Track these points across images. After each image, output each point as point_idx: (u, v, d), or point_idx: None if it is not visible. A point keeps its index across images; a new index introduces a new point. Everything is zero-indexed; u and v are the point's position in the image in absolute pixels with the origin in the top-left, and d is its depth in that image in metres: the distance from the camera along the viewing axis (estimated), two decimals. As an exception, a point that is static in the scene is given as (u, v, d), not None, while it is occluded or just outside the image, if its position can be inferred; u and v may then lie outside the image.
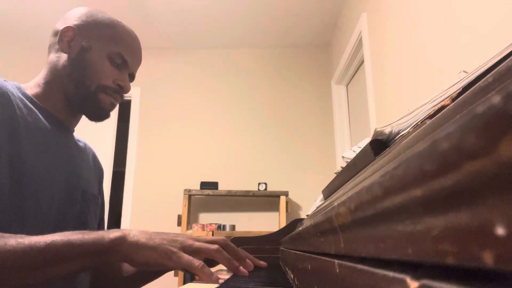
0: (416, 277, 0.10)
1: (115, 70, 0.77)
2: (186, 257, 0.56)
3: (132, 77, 0.83)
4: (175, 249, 0.56)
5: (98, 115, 0.78)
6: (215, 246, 0.60)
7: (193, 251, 0.58)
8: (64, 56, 0.75)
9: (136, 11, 2.84)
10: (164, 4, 2.80)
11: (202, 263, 0.56)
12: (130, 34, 0.81)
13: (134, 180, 3.10)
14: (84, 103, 0.76)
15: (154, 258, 0.55)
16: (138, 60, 0.83)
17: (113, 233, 0.56)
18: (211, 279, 0.56)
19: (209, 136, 3.17)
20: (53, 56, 0.76)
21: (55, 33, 0.77)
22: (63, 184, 0.71)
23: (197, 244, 0.59)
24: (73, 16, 0.78)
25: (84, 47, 0.75)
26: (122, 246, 0.55)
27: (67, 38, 0.75)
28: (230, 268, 0.64)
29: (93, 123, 0.81)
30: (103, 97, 0.76)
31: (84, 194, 0.78)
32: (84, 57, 0.74)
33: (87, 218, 0.77)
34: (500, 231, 0.07)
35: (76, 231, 0.55)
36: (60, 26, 0.76)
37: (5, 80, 0.69)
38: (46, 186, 0.66)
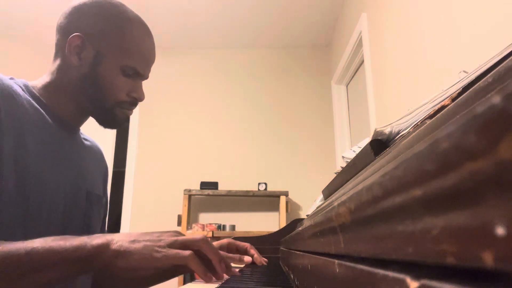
0: (416, 277, 0.10)
1: (129, 81, 0.73)
2: (172, 251, 0.54)
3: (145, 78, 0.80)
4: (160, 248, 0.54)
5: (112, 126, 0.77)
6: (200, 236, 0.59)
7: (179, 247, 0.56)
8: (74, 67, 0.71)
9: (136, 11, 2.84)
10: (164, 4, 2.80)
11: (191, 252, 0.55)
12: (143, 39, 0.75)
13: (134, 180, 3.10)
14: (99, 116, 0.75)
15: (139, 262, 0.53)
16: (151, 64, 0.78)
17: (96, 240, 0.54)
18: (200, 268, 0.55)
19: (209, 136, 3.17)
20: (61, 62, 0.72)
21: (61, 31, 0.71)
22: (68, 186, 0.71)
23: (181, 238, 0.57)
24: (81, 18, 0.71)
25: (96, 59, 0.70)
26: (105, 253, 0.53)
27: (76, 49, 0.70)
28: (214, 260, 0.61)
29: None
30: (119, 112, 0.74)
31: (88, 195, 0.77)
32: (97, 72, 0.71)
33: (91, 220, 0.77)
34: (500, 231, 0.07)
35: (58, 237, 0.53)
36: (66, 26, 0.71)
37: (11, 78, 0.68)
38: (50, 188, 0.66)
